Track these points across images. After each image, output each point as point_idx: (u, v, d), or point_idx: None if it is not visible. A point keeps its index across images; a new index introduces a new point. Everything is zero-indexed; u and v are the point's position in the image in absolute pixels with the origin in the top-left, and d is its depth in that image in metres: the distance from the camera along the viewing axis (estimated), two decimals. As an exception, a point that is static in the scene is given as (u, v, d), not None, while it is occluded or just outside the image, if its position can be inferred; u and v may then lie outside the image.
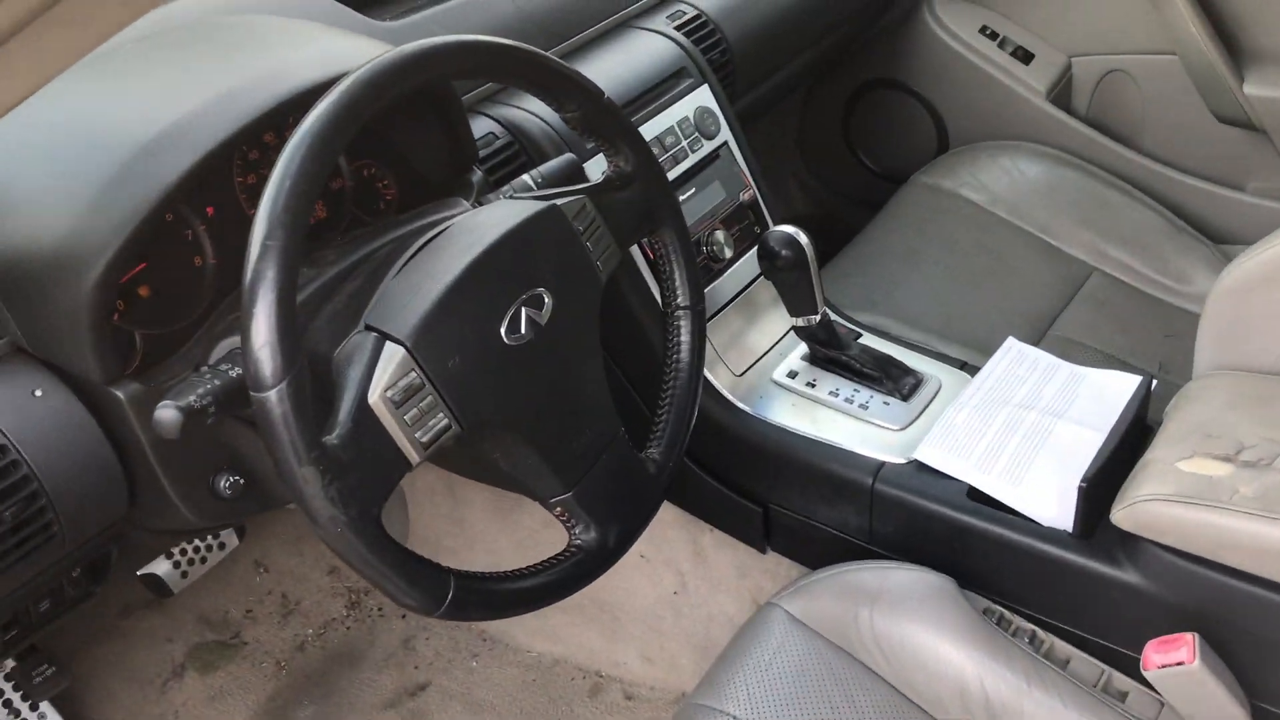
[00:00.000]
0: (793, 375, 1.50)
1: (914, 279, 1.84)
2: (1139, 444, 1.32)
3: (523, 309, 1.02)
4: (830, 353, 1.48)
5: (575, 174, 1.25)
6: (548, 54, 1.09)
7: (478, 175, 1.29)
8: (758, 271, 1.56)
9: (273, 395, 0.87)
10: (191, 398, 0.95)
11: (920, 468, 1.37)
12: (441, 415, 0.97)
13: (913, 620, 1.29)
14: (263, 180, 0.95)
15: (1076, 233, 1.96)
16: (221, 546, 1.73)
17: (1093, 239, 1.95)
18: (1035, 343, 1.80)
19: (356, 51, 1.15)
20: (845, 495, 1.41)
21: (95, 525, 1.08)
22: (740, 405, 1.48)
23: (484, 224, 1.05)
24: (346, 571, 1.94)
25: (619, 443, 1.13)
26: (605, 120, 1.13)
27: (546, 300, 1.04)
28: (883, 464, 1.39)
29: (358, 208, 1.28)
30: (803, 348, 1.53)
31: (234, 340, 1.06)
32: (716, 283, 1.54)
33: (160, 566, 1.67)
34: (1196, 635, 1.14)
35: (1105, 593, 1.25)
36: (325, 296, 1.09)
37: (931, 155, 2.25)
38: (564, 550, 1.09)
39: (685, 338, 1.20)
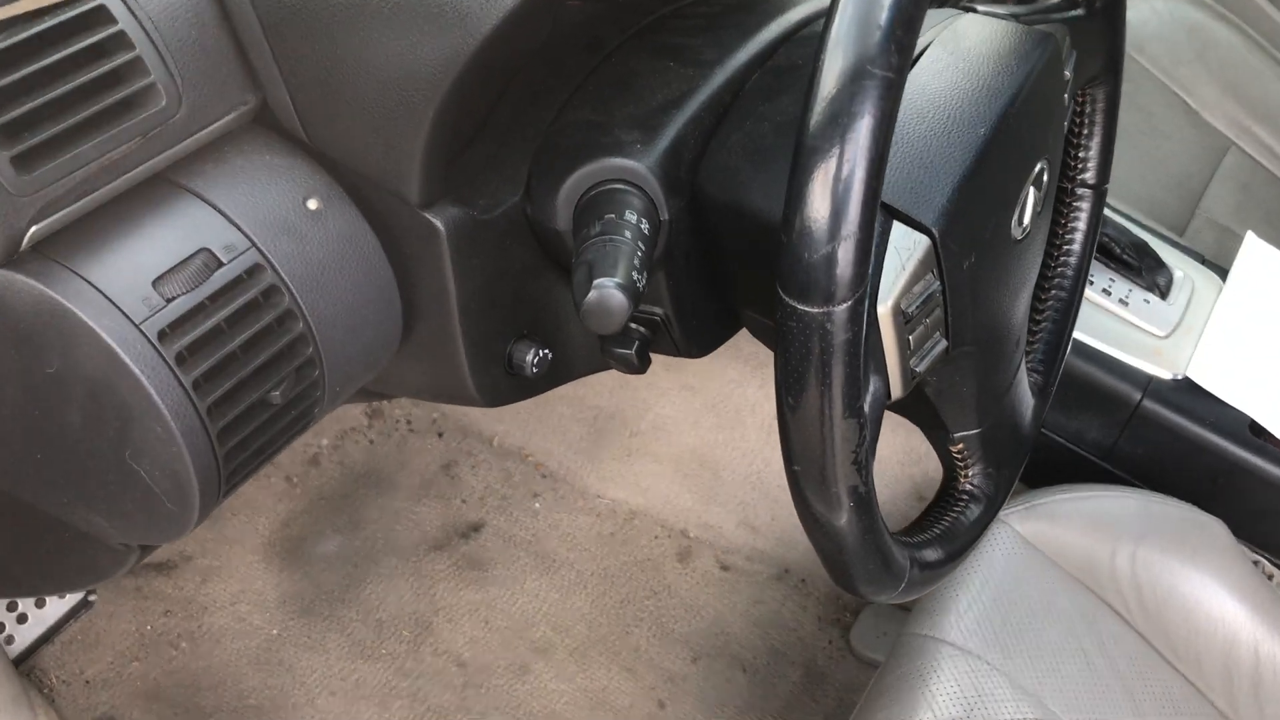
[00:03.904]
0: (1036, 248, 1.26)
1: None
2: None
3: (1030, 191, 0.73)
4: (1089, 230, 1.24)
5: None
6: None
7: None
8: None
9: (841, 313, 0.56)
10: (632, 273, 0.63)
11: (1192, 387, 1.18)
12: (939, 335, 0.69)
13: (1184, 565, 1.12)
14: None
15: (1221, 101, 1.77)
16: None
17: (1236, 111, 1.77)
18: (1186, 221, 1.64)
19: None
20: (1095, 406, 1.21)
21: (346, 398, 0.74)
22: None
23: (982, 58, 0.73)
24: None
25: (1024, 365, 0.87)
26: None
27: (1045, 178, 0.75)
28: (1151, 378, 1.19)
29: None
30: (1042, 213, 1.28)
31: (601, 166, 0.71)
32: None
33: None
34: None
35: (1398, 564, 1.13)
36: (717, 111, 0.76)
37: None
38: (947, 497, 0.84)
39: (1083, 224, 0.93)
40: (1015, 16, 0.78)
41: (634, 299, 0.62)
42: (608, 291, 0.61)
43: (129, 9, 0.61)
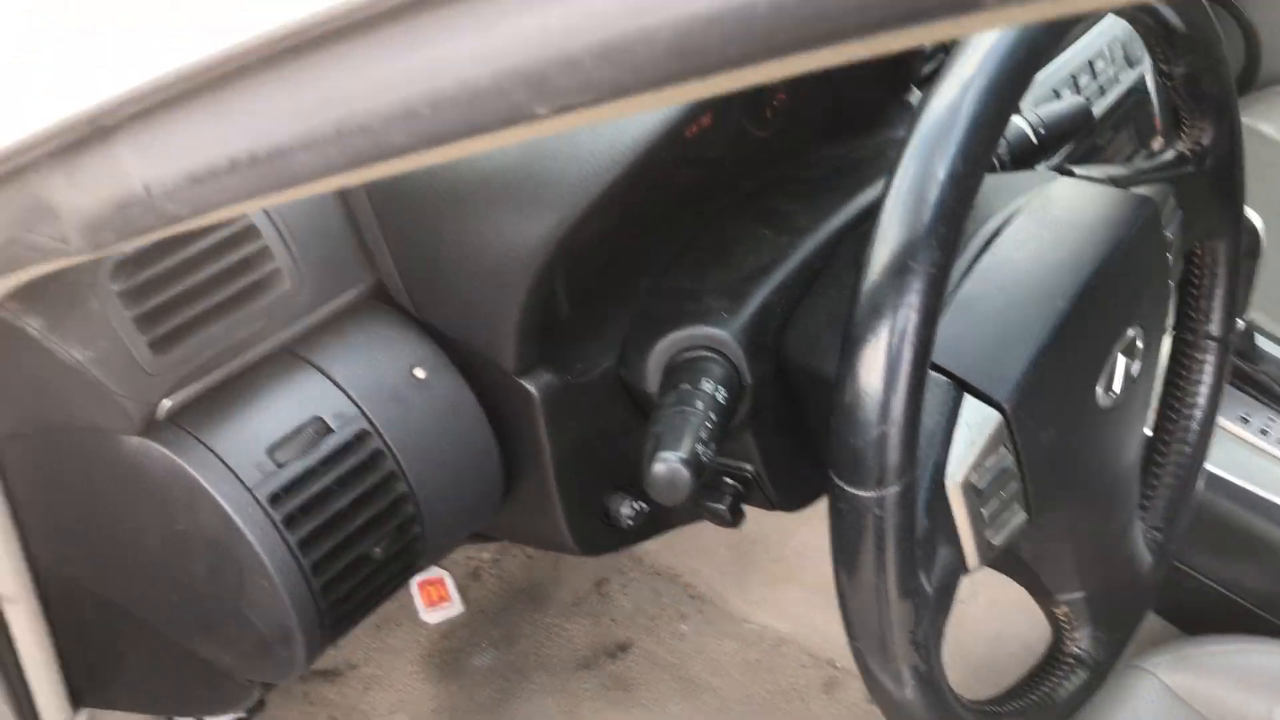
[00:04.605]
0: (1188, 386, 1.22)
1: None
2: None
3: (1119, 358, 0.72)
4: (1245, 366, 1.20)
5: (1082, 125, 0.93)
6: None
7: (916, 97, 0.97)
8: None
9: (888, 497, 0.58)
10: (697, 445, 0.65)
11: (1359, 535, 1.11)
12: (1018, 507, 0.69)
13: (1350, 733, 1.05)
14: None
15: None
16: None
17: None
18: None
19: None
20: (1253, 553, 1.15)
21: (447, 551, 0.79)
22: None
23: (1069, 226, 0.73)
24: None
25: (1137, 523, 0.85)
26: (1217, 80, 0.80)
27: (1139, 344, 0.74)
28: (1313, 524, 1.13)
29: (743, 113, 0.95)
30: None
31: (688, 334, 0.75)
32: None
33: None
34: None
35: None
36: (806, 277, 0.78)
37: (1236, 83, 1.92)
38: (1051, 662, 0.83)
39: (1209, 377, 0.90)
40: (1113, 179, 0.78)
41: (697, 472, 0.65)
42: (671, 466, 0.64)
43: (261, 203, 0.69)
